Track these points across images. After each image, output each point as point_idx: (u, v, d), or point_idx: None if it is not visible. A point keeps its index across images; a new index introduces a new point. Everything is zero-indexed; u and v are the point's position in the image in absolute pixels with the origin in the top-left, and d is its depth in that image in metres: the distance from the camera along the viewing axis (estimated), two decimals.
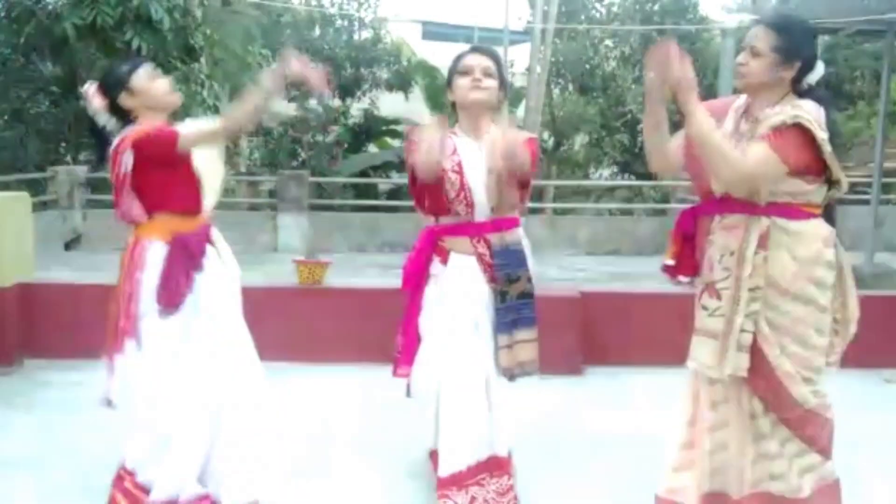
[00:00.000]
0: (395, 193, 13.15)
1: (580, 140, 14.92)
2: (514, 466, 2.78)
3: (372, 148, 14.61)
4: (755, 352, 2.38)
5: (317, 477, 3.15)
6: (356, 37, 14.05)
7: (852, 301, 2.54)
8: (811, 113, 2.30)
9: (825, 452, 2.51)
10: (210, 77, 9.48)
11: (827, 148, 2.30)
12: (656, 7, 14.06)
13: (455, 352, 2.68)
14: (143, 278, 2.63)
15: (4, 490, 2.99)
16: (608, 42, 13.90)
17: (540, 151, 2.87)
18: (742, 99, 2.51)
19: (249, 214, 10.66)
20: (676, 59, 2.27)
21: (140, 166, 2.58)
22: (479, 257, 2.73)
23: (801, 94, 2.40)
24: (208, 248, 2.76)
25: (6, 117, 9.82)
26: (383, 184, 13.63)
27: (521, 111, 13.80)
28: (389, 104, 14.31)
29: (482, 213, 2.73)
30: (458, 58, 2.79)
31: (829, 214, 2.46)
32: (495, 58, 2.77)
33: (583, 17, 14.38)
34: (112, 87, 2.68)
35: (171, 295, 2.62)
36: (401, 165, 13.38)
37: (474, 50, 2.78)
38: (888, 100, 7.67)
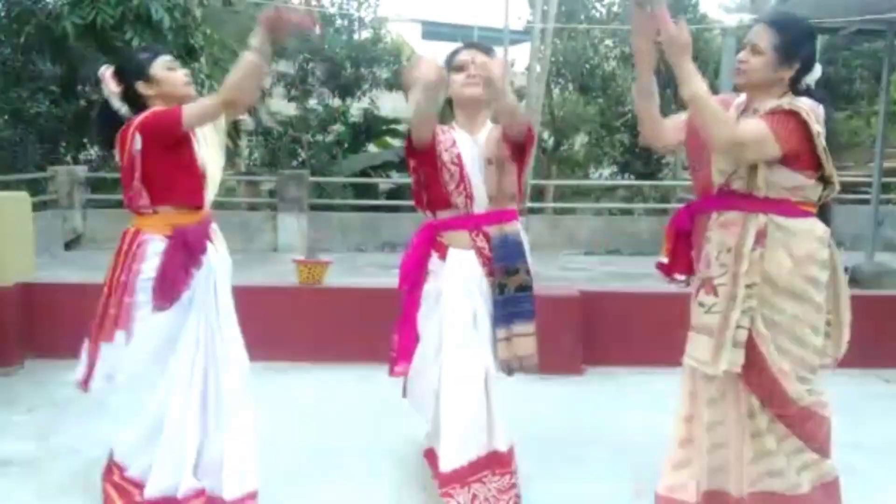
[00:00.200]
0: (395, 193, 13.13)
1: (580, 140, 14.92)
2: (516, 464, 2.78)
3: (372, 148, 14.60)
4: (750, 348, 2.39)
5: (316, 476, 3.15)
6: (356, 37, 14.05)
7: (845, 302, 2.55)
8: (809, 107, 2.34)
9: (823, 451, 2.52)
10: (210, 77, 9.46)
11: (821, 142, 2.33)
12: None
13: (454, 346, 2.68)
14: (140, 270, 2.63)
15: (4, 490, 2.99)
16: (608, 42, 13.90)
17: (537, 137, 2.85)
18: (742, 97, 2.52)
19: (249, 214, 10.65)
20: (667, 20, 2.28)
21: (148, 151, 2.57)
22: (478, 251, 2.73)
23: (800, 94, 2.42)
24: (207, 244, 2.76)
25: (6, 117, 9.80)
26: (383, 184, 13.62)
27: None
28: (389, 104, 14.30)
29: (481, 204, 2.74)
30: (453, 54, 2.79)
31: (824, 214, 2.48)
32: (490, 53, 2.78)
33: (583, 17, 14.38)
34: (130, 74, 2.68)
35: (168, 290, 2.63)
36: (401, 165, 13.38)
37: (469, 46, 2.79)
38: (888, 100, 7.67)
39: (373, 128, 14.23)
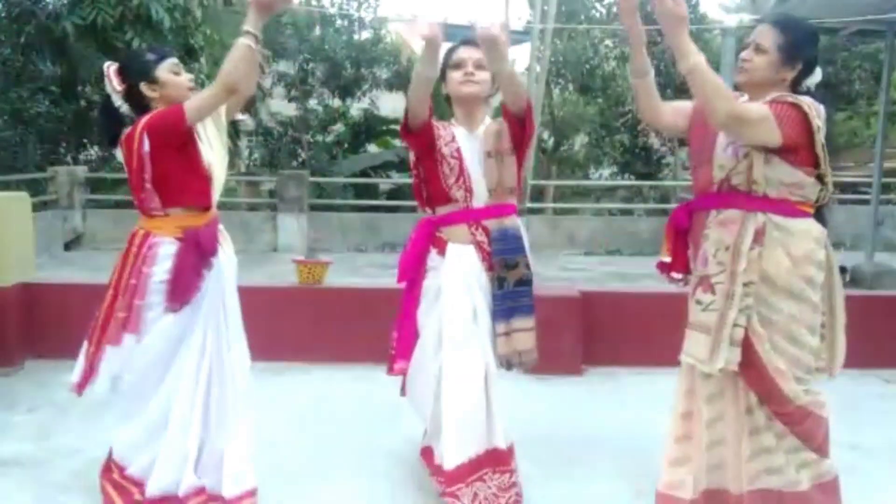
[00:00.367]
0: (395, 193, 13.13)
1: (580, 140, 14.91)
2: (515, 463, 2.78)
3: (372, 148, 14.59)
4: (747, 346, 2.40)
5: (315, 476, 3.15)
6: (356, 37, 14.03)
7: (839, 303, 2.56)
8: (810, 103, 2.36)
9: (821, 450, 2.52)
10: (210, 77, 9.45)
11: (820, 137, 2.35)
12: None
13: (454, 343, 2.68)
14: (152, 273, 2.63)
15: (4, 490, 2.99)
16: (608, 42, 13.88)
17: (537, 137, 2.85)
18: (744, 98, 2.53)
19: (249, 214, 10.65)
20: None
21: (157, 152, 2.57)
22: (478, 245, 2.74)
23: (801, 95, 2.43)
24: (217, 246, 2.76)
25: (6, 117, 9.79)
26: (383, 184, 13.61)
27: None
28: (389, 104, 14.29)
29: (480, 198, 2.74)
30: (451, 51, 2.80)
31: (820, 216, 2.49)
32: None
33: (583, 17, 14.37)
34: (135, 74, 2.66)
35: (183, 292, 2.63)
36: (401, 165, 13.38)
37: (466, 42, 2.79)
38: (888, 100, 7.67)
39: (373, 128, 14.22)
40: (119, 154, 2.71)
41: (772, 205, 2.40)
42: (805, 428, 2.47)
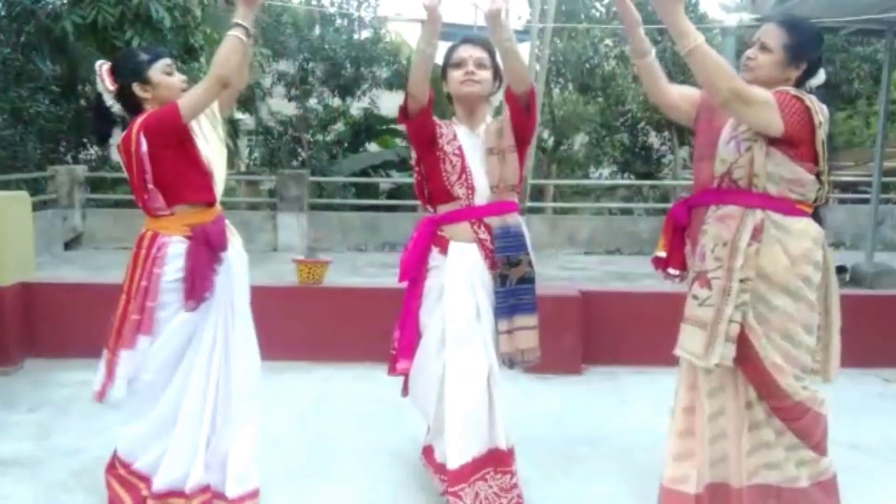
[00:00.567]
0: (395, 193, 13.14)
1: (580, 140, 14.90)
2: (516, 466, 2.78)
3: (372, 147, 14.60)
4: (744, 341, 2.41)
5: (315, 476, 3.15)
6: (356, 36, 14.02)
7: (835, 304, 2.57)
8: (813, 98, 2.38)
9: (819, 448, 2.53)
10: None
11: (821, 133, 2.36)
12: None
13: (457, 342, 2.67)
14: (163, 273, 2.62)
15: (4, 489, 2.99)
16: (608, 42, 13.87)
17: (537, 137, 2.86)
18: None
19: (249, 214, 10.65)
20: None
21: (155, 151, 2.56)
22: (481, 243, 2.73)
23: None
24: (227, 241, 2.76)
25: (6, 117, 9.79)
26: (383, 183, 13.62)
27: None
28: (389, 103, 14.28)
29: (482, 196, 2.74)
30: (452, 50, 2.80)
31: (817, 216, 2.50)
32: (488, 48, 2.78)
33: (582, 17, 14.36)
34: (127, 74, 2.65)
35: (199, 290, 2.62)
36: (401, 165, 13.39)
37: (466, 41, 2.79)
38: (888, 100, 7.67)
39: (373, 127, 14.23)
40: (112, 152, 2.70)
41: (771, 202, 2.41)
42: (803, 424, 2.48)
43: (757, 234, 2.39)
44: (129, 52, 2.88)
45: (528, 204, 10.27)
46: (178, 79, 2.69)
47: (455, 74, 2.75)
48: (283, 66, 13.05)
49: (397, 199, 12.32)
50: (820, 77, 2.48)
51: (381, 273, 8.07)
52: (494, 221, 2.74)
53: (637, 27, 2.56)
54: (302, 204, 10.19)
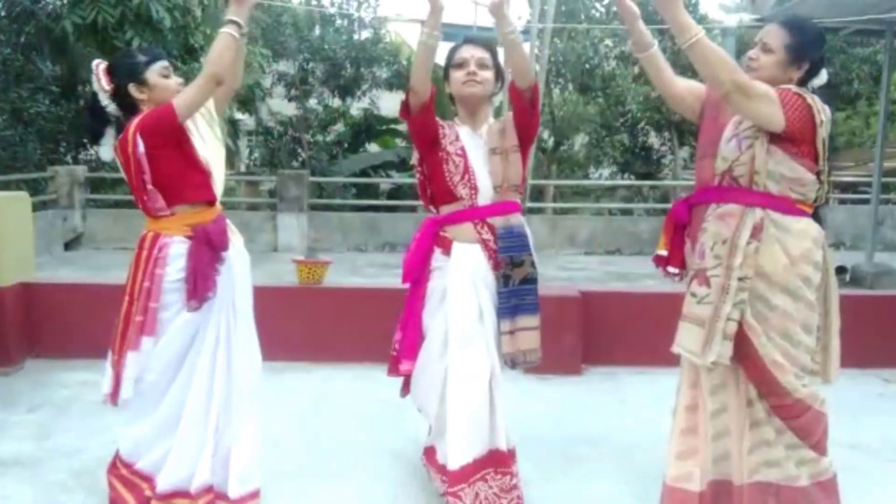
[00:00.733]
0: (395, 193, 13.14)
1: (580, 140, 14.89)
2: (517, 467, 2.78)
3: (372, 147, 14.59)
4: (743, 339, 2.41)
5: (316, 477, 3.15)
6: (356, 37, 14.01)
7: (834, 305, 2.58)
8: (815, 97, 2.38)
9: (819, 448, 2.54)
10: None
11: (823, 132, 2.36)
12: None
13: (460, 343, 2.67)
14: (165, 273, 2.62)
15: (4, 490, 2.99)
16: (608, 42, 13.85)
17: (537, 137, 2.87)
18: None
19: (249, 214, 10.65)
20: None
21: (153, 152, 2.55)
22: (483, 243, 2.73)
23: None
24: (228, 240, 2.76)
25: (6, 117, 9.79)
26: (383, 183, 13.61)
27: None
28: (389, 104, 14.28)
29: (485, 196, 2.74)
30: (454, 50, 2.81)
31: (817, 216, 2.51)
32: (490, 48, 2.79)
33: (582, 17, 14.35)
34: (123, 75, 2.64)
35: (202, 290, 2.62)
36: (401, 165, 13.38)
37: (468, 41, 2.80)
38: (888, 100, 7.67)
39: (373, 127, 14.22)
40: (102, 153, 2.71)
41: (772, 201, 2.41)
42: (803, 423, 2.48)
43: (757, 232, 2.40)
44: (127, 53, 2.88)
45: (528, 204, 10.26)
46: (174, 81, 2.69)
47: (457, 75, 2.75)
48: (283, 66, 13.03)
49: (397, 199, 12.32)
50: (822, 77, 2.48)
51: (381, 273, 8.07)
52: (497, 221, 2.74)
53: (636, 21, 2.56)
54: (302, 204, 10.19)
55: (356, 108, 14.14)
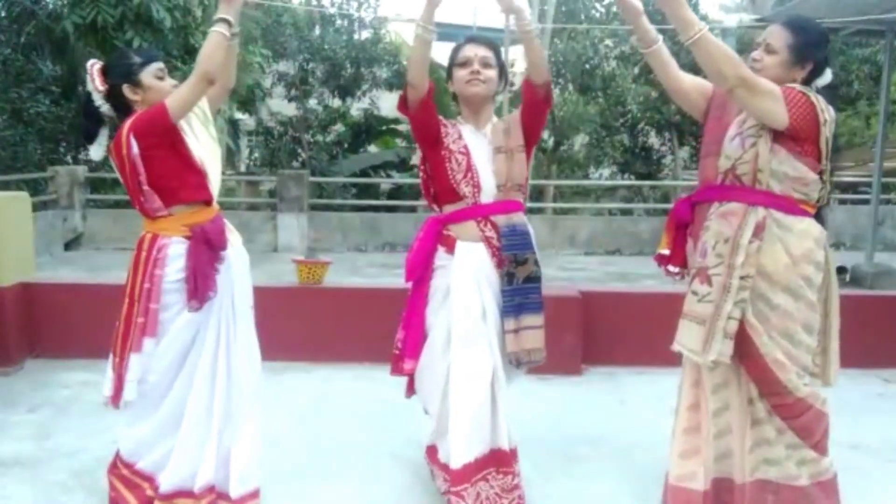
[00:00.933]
0: (395, 193, 13.14)
1: (580, 140, 14.89)
2: (519, 467, 2.77)
3: (372, 148, 14.60)
4: (744, 338, 2.41)
5: (316, 477, 3.14)
6: (356, 37, 14.01)
7: (835, 305, 2.57)
8: (819, 97, 2.39)
9: (819, 448, 2.54)
10: None
11: (826, 131, 2.36)
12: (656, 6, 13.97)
13: (463, 342, 2.67)
14: (165, 274, 2.61)
15: (4, 490, 2.99)
16: (608, 42, 13.86)
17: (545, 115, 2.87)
18: None
19: (249, 214, 10.65)
20: None
21: (147, 152, 2.55)
22: (487, 242, 2.73)
23: None
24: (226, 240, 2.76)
25: (6, 117, 9.80)
26: (384, 184, 13.62)
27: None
28: (389, 104, 14.28)
29: (489, 194, 2.74)
30: (457, 49, 2.81)
31: (819, 217, 2.51)
32: (493, 47, 2.79)
33: (583, 17, 14.36)
34: (118, 76, 2.64)
35: (202, 290, 2.61)
36: (401, 165, 13.38)
37: (471, 40, 2.80)
38: (888, 100, 7.67)
39: (373, 128, 14.23)
40: (92, 152, 2.71)
41: (774, 200, 2.41)
42: (804, 422, 2.48)
43: (759, 231, 2.40)
44: (122, 54, 2.87)
45: (529, 204, 10.24)
46: (168, 83, 2.68)
47: (460, 74, 2.75)
48: (283, 66, 13.04)
49: (397, 199, 12.33)
50: (826, 77, 2.48)
51: (382, 273, 8.07)
52: (500, 220, 2.73)
53: (640, 17, 2.56)
54: (302, 204, 10.20)
55: (356, 108, 14.14)
